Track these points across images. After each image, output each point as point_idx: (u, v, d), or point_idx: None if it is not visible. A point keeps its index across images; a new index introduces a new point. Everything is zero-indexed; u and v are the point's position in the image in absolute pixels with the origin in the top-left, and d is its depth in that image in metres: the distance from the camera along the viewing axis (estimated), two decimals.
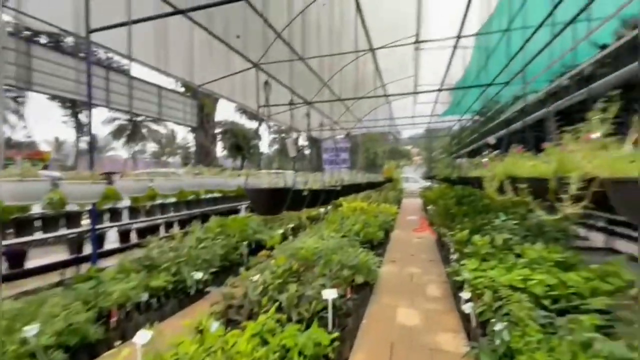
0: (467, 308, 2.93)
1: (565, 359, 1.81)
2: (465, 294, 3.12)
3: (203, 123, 18.84)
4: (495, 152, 3.52)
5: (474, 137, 8.63)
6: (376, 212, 7.46)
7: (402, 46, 8.40)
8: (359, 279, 3.50)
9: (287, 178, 3.63)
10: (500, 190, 2.23)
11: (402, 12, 7.38)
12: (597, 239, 5.79)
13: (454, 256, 4.02)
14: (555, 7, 4.45)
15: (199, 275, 3.66)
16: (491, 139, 3.57)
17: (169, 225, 6.55)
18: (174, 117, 7.65)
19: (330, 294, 2.83)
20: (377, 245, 5.40)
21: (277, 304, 2.70)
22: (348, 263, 3.53)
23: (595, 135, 1.25)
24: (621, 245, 5.84)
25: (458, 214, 4.45)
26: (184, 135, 40.15)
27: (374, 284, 4.15)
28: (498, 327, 2.31)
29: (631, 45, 2.95)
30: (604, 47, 3.45)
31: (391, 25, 8.11)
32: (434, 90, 9.81)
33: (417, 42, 7.50)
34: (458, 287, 3.54)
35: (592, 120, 1.26)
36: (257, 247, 5.23)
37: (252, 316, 2.68)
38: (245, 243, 4.94)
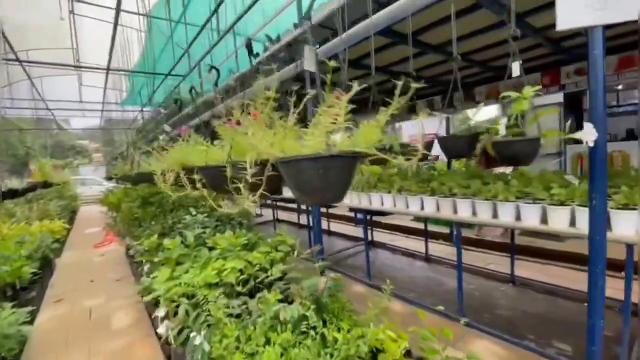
0: (162, 329, 2.45)
1: (260, 346, 1.81)
2: (161, 311, 2.61)
3: None
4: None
5: (160, 130, 8.06)
6: (24, 234, 5.01)
7: None
8: None
9: None
10: (178, 184, 1.90)
11: None
12: (269, 213, 7.23)
13: (146, 267, 3.36)
14: (210, 17, 4.78)
15: None
16: (167, 127, 3.20)
17: None
18: None
19: None
20: (26, 288, 3.54)
21: None
22: None
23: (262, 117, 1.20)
24: (282, 215, 7.79)
25: (145, 218, 3.79)
26: None
27: (18, 354, 2.61)
28: (197, 340, 2.02)
29: (275, 56, 3.64)
30: (256, 55, 4.08)
31: None
32: (97, 69, 8.07)
33: None
34: (154, 303, 2.96)
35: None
36: None
37: None
38: None
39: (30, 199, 7.76)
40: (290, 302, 2.22)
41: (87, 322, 3.25)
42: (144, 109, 11.19)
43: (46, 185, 5.51)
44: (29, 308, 2.87)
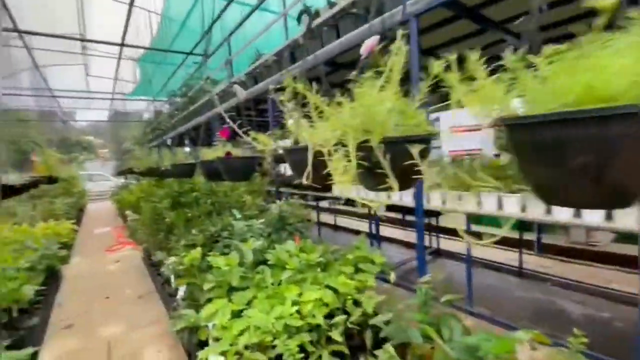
0: None
1: None
2: (212, 356, 1.77)
3: None
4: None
5: (177, 120, 7.23)
6: (25, 238, 4.21)
7: None
8: None
9: None
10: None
11: None
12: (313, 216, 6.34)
13: (181, 290, 2.54)
14: None
15: None
16: (239, 88, 2.40)
17: None
18: None
19: None
20: (26, 311, 2.74)
21: None
22: None
23: None
24: (332, 218, 6.83)
25: (177, 223, 2.94)
26: None
27: None
28: None
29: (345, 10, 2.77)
30: (316, 14, 3.19)
31: None
32: (110, 43, 7.20)
33: None
34: (199, 343, 2.14)
35: None
36: None
37: None
38: None
39: (35, 196, 6.98)
40: None
41: None
42: (155, 99, 10.40)
43: (51, 180, 4.78)
44: (29, 351, 2.05)
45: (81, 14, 8.94)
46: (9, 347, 1.99)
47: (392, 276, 2.20)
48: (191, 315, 2.06)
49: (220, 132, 1.53)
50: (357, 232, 6.02)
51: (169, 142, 6.46)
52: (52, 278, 3.85)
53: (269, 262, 2.36)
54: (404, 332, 1.78)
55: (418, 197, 2.25)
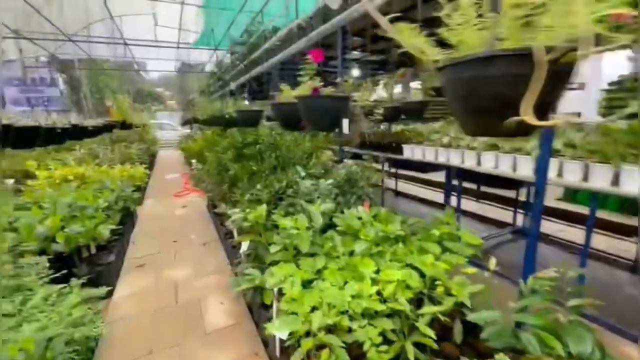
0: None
1: None
2: (280, 332, 1.60)
3: None
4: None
5: (240, 70, 7.04)
6: (106, 178, 4.53)
7: None
8: None
9: None
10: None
11: None
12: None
13: (244, 245, 2.41)
14: None
15: None
16: None
17: None
18: None
19: None
20: (104, 248, 2.91)
21: None
22: None
23: None
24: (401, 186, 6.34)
25: (241, 176, 2.78)
26: None
27: (94, 347, 1.88)
28: None
29: None
30: None
31: None
32: None
33: None
34: (263, 305, 2.03)
35: None
36: None
37: None
38: None
39: (115, 140, 7.56)
40: None
41: (174, 307, 2.48)
42: (217, 48, 10.30)
43: (124, 125, 5.03)
44: (104, 290, 2.11)
45: None
46: (86, 284, 2.06)
47: (493, 262, 1.78)
48: (255, 276, 1.91)
49: (311, 53, 1.16)
50: (420, 200, 5.54)
51: (232, 87, 6.30)
52: (128, 217, 4.12)
53: (337, 229, 2.08)
54: (514, 337, 1.41)
55: (541, 167, 1.71)
